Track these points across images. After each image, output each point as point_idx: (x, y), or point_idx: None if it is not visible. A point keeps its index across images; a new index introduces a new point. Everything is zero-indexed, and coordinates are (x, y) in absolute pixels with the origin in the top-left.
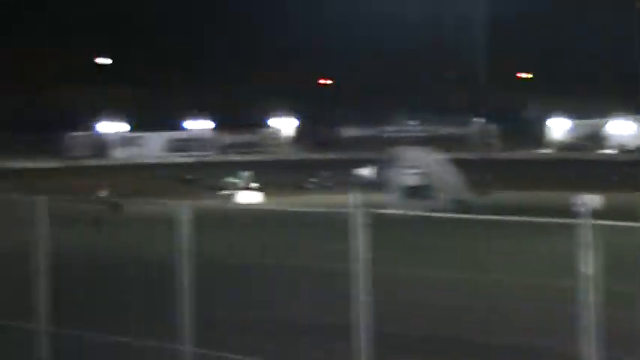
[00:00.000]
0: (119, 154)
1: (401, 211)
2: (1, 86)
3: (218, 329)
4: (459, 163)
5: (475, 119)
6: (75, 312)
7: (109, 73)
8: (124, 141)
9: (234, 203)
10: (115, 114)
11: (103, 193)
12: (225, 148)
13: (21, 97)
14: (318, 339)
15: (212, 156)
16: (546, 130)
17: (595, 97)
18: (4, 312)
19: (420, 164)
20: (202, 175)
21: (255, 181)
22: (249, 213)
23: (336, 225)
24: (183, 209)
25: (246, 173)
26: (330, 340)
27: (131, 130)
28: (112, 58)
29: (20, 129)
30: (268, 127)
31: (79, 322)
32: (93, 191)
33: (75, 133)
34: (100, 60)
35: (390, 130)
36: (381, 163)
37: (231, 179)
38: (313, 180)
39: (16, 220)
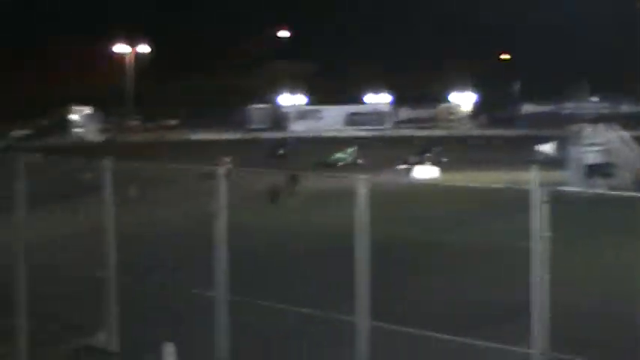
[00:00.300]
0: (297, 127)
1: (581, 189)
2: (191, 64)
3: (392, 304)
4: None
5: None
6: (253, 282)
7: (290, 47)
8: (302, 114)
9: (410, 178)
10: (295, 87)
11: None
12: (401, 123)
13: (208, 71)
14: (491, 318)
15: (389, 130)
16: None
17: None
18: (186, 280)
19: (602, 141)
20: (297, 151)
21: (359, 157)
22: (425, 188)
23: (511, 202)
24: (361, 183)
25: (351, 149)
26: (506, 319)
27: (310, 104)
28: (293, 33)
29: (207, 103)
30: (447, 102)
31: (257, 293)
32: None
33: (255, 106)
34: (281, 34)
35: (569, 107)
36: (561, 140)
37: (340, 155)
38: (428, 155)
39: (199, 191)
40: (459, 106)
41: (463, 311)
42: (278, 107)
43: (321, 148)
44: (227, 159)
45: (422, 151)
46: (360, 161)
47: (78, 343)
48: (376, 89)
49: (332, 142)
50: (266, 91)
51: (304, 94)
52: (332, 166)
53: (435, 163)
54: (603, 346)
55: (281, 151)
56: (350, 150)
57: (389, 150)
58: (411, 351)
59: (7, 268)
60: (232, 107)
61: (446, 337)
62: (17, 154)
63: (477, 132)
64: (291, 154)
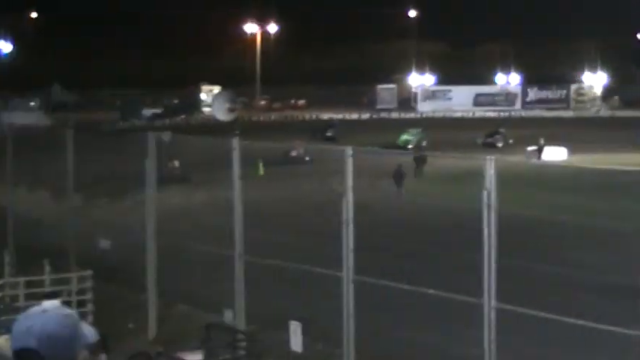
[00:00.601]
0: (425, 108)
1: None
2: (319, 43)
3: (518, 285)
4: None
5: None
6: (376, 261)
7: (420, 26)
8: (430, 94)
9: (537, 160)
10: (424, 67)
11: (295, 153)
12: (530, 104)
13: (336, 51)
14: (611, 298)
15: (517, 111)
16: None
17: None
18: (312, 259)
19: None
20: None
21: (424, 139)
22: (553, 170)
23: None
24: (489, 164)
25: (416, 130)
26: (624, 299)
27: (439, 84)
28: (423, 12)
29: (336, 82)
30: (578, 83)
31: (380, 271)
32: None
33: (382, 86)
34: (411, 13)
35: None
36: None
37: (407, 137)
38: (498, 136)
39: (326, 171)
40: (590, 87)
41: (580, 294)
42: (406, 87)
43: (371, 129)
44: (300, 142)
45: (490, 133)
46: (424, 143)
47: (206, 320)
48: (506, 69)
49: (389, 123)
50: (394, 71)
51: (433, 74)
52: (401, 148)
53: (498, 144)
54: None
55: (329, 133)
56: (415, 131)
57: (457, 131)
58: (533, 332)
59: (138, 245)
60: (361, 87)
61: (568, 320)
62: (148, 133)
63: (607, 113)
64: (339, 136)
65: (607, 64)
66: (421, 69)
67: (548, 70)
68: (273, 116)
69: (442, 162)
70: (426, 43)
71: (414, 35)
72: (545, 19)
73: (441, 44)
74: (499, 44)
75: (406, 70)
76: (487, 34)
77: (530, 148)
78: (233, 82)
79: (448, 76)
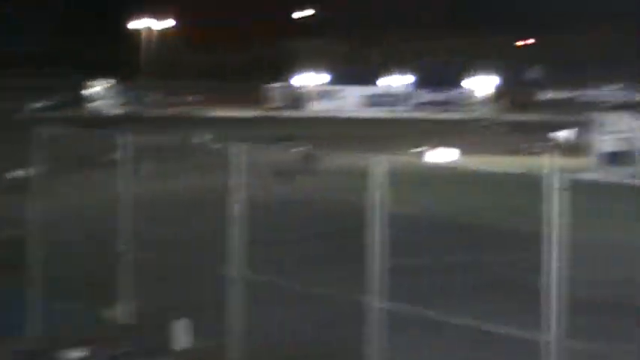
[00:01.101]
0: (316, 107)
1: (599, 177)
2: (215, 39)
3: (405, 285)
4: None
5: None
6: (266, 260)
7: (315, 25)
8: (322, 94)
9: (427, 161)
10: (315, 66)
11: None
12: (420, 105)
13: (228, 48)
14: (509, 299)
15: (406, 112)
16: None
17: None
18: (198, 257)
19: (622, 129)
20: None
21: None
22: (440, 171)
23: (526, 187)
24: (378, 162)
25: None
26: (522, 302)
27: (332, 83)
28: (319, 11)
29: (225, 78)
30: (466, 86)
31: (270, 270)
32: None
33: (275, 84)
34: (302, 13)
35: (590, 94)
36: (580, 127)
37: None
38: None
39: (214, 167)
40: (478, 90)
41: (484, 293)
42: (297, 86)
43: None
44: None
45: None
46: (214, 145)
47: (94, 316)
48: (400, 71)
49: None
50: (288, 69)
51: (327, 73)
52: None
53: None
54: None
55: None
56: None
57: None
58: (424, 335)
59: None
60: (254, 84)
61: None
62: (39, 126)
63: (494, 116)
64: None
65: (500, 66)
66: (315, 68)
67: (441, 73)
68: (168, 111)
69: (337, 160)
70: (321, 42)
71: (310, 34)
72: (441, 25)
73: (336, 44)
74: (395, 46)
75: (300, 69)
76: (384, 35)
77: (416, 150)
78: (126, 76)
79: (342, 76)
